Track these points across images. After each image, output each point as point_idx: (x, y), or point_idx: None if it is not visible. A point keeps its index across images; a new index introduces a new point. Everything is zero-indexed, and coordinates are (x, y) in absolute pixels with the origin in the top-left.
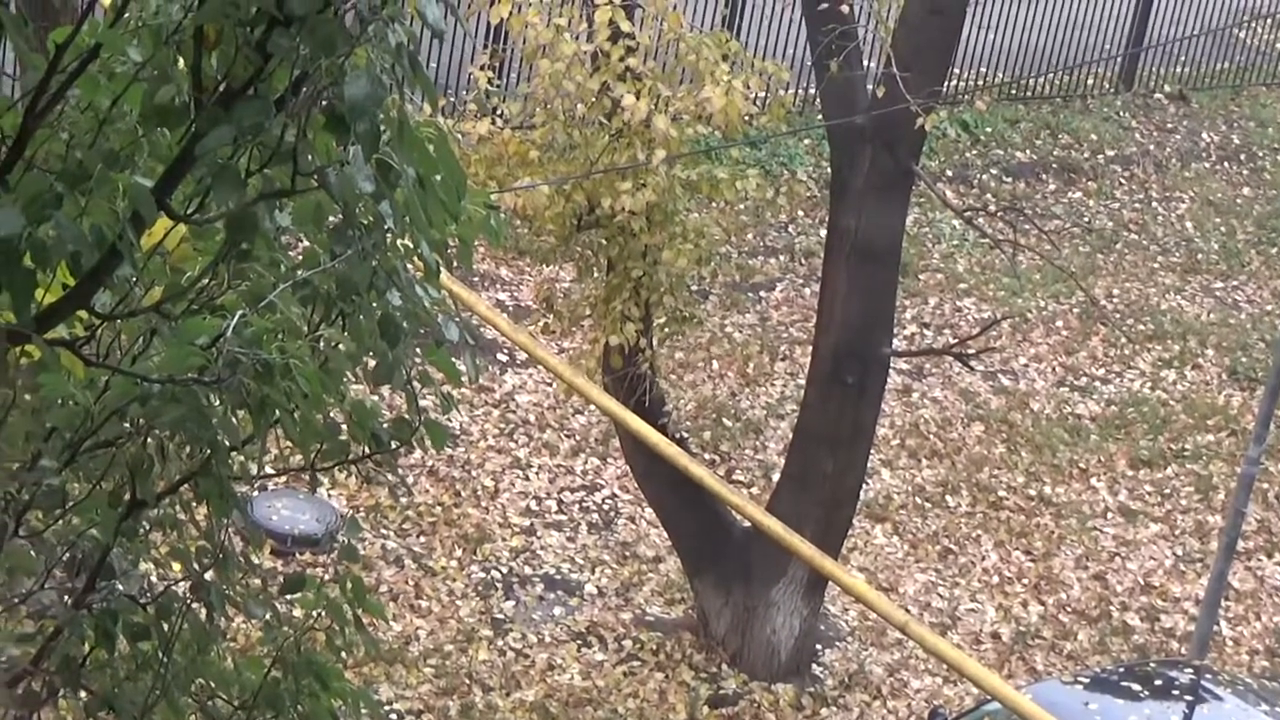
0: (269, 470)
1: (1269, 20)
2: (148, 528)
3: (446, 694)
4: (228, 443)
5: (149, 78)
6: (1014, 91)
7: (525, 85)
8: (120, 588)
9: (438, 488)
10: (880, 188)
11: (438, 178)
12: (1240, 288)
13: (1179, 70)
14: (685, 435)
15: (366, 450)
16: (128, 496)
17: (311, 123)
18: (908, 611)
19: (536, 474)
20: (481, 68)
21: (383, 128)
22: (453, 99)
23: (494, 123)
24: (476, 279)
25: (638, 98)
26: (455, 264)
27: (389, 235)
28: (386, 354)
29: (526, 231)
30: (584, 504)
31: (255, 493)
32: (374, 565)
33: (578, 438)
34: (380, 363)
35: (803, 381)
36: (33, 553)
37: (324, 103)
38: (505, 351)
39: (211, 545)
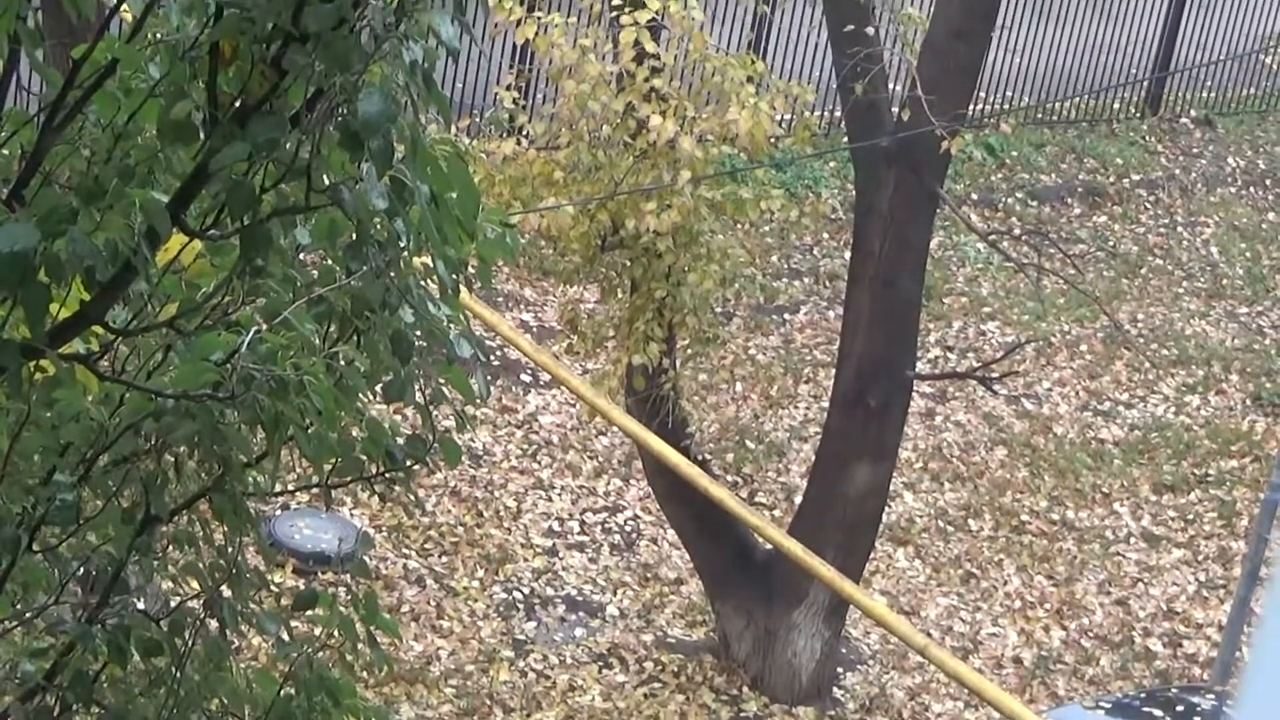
0: (288, 488)
1: None
2: (165, 544)
3: (467, 714)
4: (242, 459)
5: (165, 93)
6: (1039, 115)
7: (550, 105)
8: (134, 603)
9: (460, 508)
10: (904, 211)
11: (452, 195)
12: (1265, 313)
13: (1205, 95)
14: (708, 457)
15: (381, 468)
16: (142, 512)
17: (326, 139)
18: (929, 635)
19: (559, 495)
20: (507, 88)
21: (397, 145)
22: (479, 119)
23: (519, 143)
24: (500, 299)
25: (663, 118)
26: (477, 283)
27: (404, 252)
28: (399, 371)
29: (551, 252)
30: (606, 525)
31: (277, 511)
32: (396, 585)
33: (600, 459)
34: (393, 380)
35: (826, 404)
36: (47, 568)
37: (338, 119)
38: (529, 372)
39: (226, 562)
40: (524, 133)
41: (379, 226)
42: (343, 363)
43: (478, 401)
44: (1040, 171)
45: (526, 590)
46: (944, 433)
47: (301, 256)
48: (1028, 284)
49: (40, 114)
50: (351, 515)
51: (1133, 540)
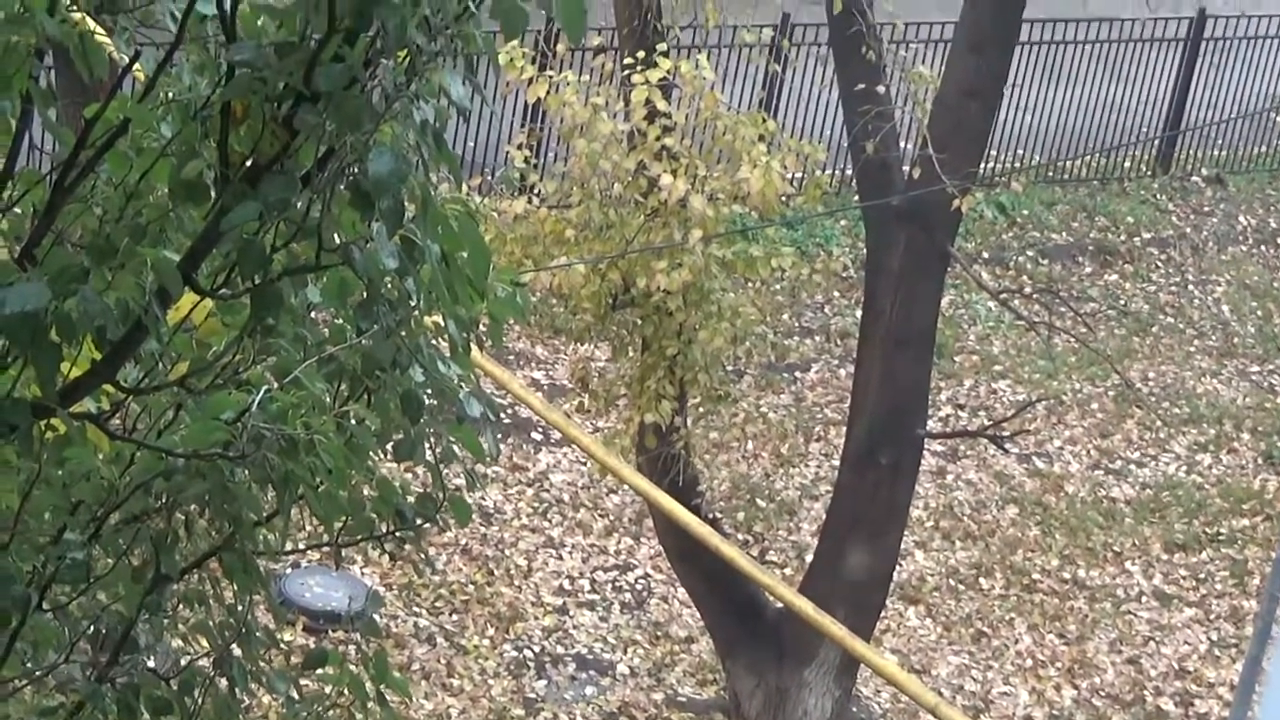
0: (299, 546)
1: None
2: (175, 602)
3: None
4: (252, 517)
5: (177, 153)
6: (1050, 173)
7: (562, 164)
8: (144, 662)
9: (470, 566)
10: (916, 269)
11: (463, 254)
12: (1276, 372)
13: (1216, 153)
14: (719, 515)
15: (391, 527)
16: (152, 571)
17: (337, 199)
18: (940, 694)
19: (570, 553)
20: (518, 146)
21: (407, 204)
22: (490, 178)
23: (530, 201)
24: (512, 357)
25: (674, 177)
26: (488, 342)
27: (414, 311)
28: (409, 430)
29: (562, 310)
30: (617, 583)
31: (288, 570)
32: (406, 643)
33: (611, 517)
34: (403, 439)
35: (837, 462)
36: (57, 626)
37: (349, 179)
38: (540, 430)
39: (236, 621)
40: (535, 191)
41: (390, 286)
42: (353, 421)
43: (488, 460)
44: (1051, 230)
45: (537, 648)
46: (955, 491)
47: (312, 315)
48: (1039, 342)
49: (52, 173)
50: (362, 573)
51: (1144, 599)
